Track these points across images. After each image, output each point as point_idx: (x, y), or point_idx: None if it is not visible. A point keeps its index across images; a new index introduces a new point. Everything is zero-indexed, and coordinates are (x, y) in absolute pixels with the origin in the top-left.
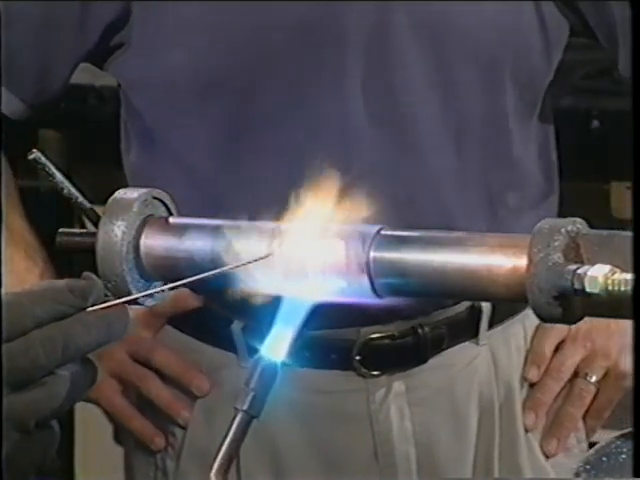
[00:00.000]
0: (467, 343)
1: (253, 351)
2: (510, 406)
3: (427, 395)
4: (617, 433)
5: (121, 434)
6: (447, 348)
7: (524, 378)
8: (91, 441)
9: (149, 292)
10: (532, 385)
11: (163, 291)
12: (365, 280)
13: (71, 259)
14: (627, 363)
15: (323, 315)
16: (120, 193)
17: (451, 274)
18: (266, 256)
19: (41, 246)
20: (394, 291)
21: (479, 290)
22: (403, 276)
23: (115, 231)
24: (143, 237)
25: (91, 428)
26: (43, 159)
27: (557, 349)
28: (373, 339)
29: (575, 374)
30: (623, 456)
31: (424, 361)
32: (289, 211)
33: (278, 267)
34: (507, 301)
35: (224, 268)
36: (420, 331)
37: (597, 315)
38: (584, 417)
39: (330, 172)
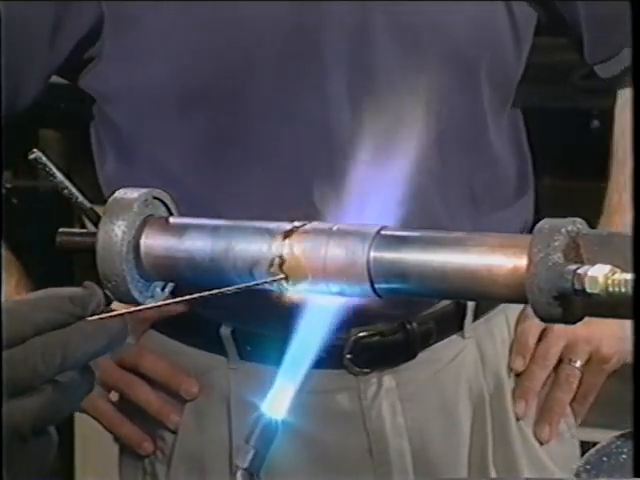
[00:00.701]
0: (453, 337)
1: (243, 353)
2: (500, 396)
3: (417, 390)
4: (617, 433)
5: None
6: (435, 343)
7: (510, 368)
8: (91, 441)
9: (176, 300)
10: (519, 374)
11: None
12: (365, 280)
13: (71, 259)
14: (609, 347)
15: None
16: (120, 193)
17: (451, 274)
18: (279, 278)
19: (16, 258)
20: (394, 291)
21: (479, 290)
22: (403, 276)
23: (115, 231)
24: (143, 237)
25: (91, 428)
26: (43, 159)
27: (540, 338)
28: (363, 337)
29: (560, 360)
30: (623, 456)
31: (413, 356)
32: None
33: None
34: (507, 301)
35: (239, 286)
36: (409, 327)
37: (597, 315)
38: (571, 403)
39: (316, 178)
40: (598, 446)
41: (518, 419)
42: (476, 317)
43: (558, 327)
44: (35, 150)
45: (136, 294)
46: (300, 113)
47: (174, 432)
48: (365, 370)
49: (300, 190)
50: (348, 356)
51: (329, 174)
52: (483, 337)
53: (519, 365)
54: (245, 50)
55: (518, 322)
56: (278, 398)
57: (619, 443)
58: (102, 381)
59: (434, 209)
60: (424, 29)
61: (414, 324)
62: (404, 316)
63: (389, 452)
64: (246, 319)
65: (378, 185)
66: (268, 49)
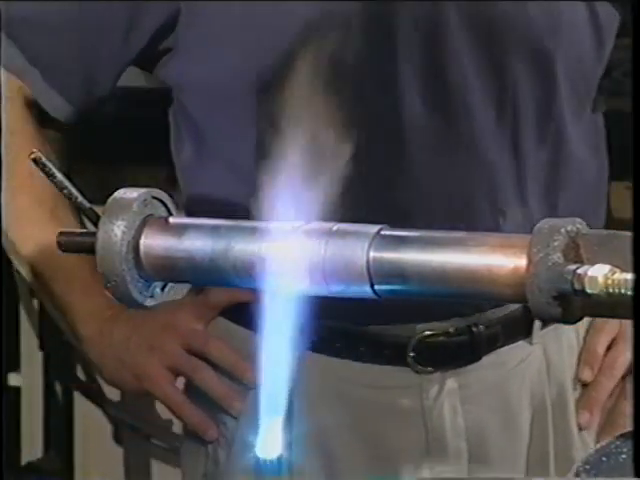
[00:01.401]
0: (520, 342)
1: (309, 343)
2: (562, 404)
3: (480, 392)
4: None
5: (121, 433)
6: (501, 347)
7: (577, 378)
8: (91, 441)
9: None
10: (585, 384)
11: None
12: (365, 280)
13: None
14: None
15: (380, 310)
16: (120, 193)
17: (451, 274)
18: (279, 279)
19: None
20: (394, 291)
21: (479, 290)
22: (403, 276)
23: (115, 231)
24: (143, 237)
25: (91, 428)
26: (43, 159)
27: (609, 347)
28: (428, 336)
29: (628, 371)
30: (623, 456)
31: (478, 359)
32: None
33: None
34: (507, 301)
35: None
36: (475, 329)
37: (597, 315)
38: None
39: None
40: (598, 446)
41: (581, 429)
42: (545, 324)
43: (628, 336)
44: (35, 150)
45: (136, 294)
46: (370, 106)
47: (236, 418)
48: (428, 369)
49: (365, 182)
50: (412, 354)
51: (399, 166)
52: (551, 344)
53: (587, 376)
54: (315, 41)
55: (587, 331)
56: (269, 436)
57: (618, 443)
58: (169, 366)
59: (507, 206)
60: (498, 19)
61: (481, 327)
62: (470, 315)
63: (447, 452)
64: (314, 309)
65: (446, 179)
66: (339, 41)
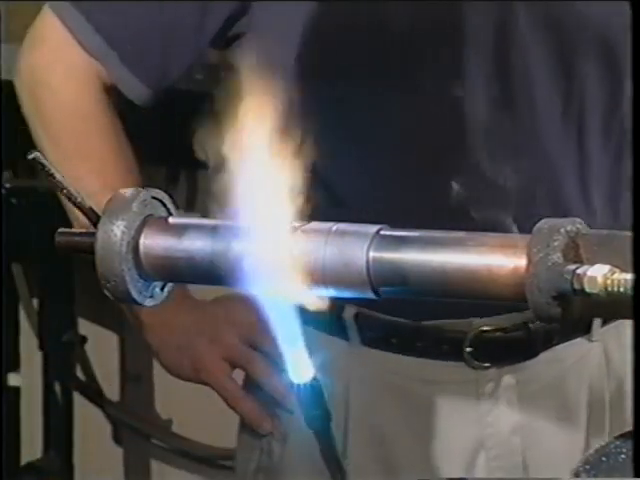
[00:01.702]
0: (579, 339)
1: (365, 339)
2: (621, 404)
3: (537, 389)
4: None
5: (120, 433)
6: (558, 343)
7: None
8: (90, 441)
9: None
10: None
11: None
12: (365, 280)
13: (71, 259)
14: None
15: (437, 306)
16: (119, 193)
17: (450, 274)
18: (278, 279)
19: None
20: (393, 291)
21: (478, 290)
22: (402, 276)
23: (114, 231)
24: (142, 237)
25: (90, 428)
26: (42, 159)
27: None
28: (485, 331)
29: None
30: (623, 456)
31: (534, 355)
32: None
33: (277, 266)
34: (507, 301)
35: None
36: (531, 325)
37: (597, 315)
38: None
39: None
40: (597, 446)
41: None
42: (605, 321)
43: None
44: (34, 150)
45: (135, 294)
46: (432, 105)
47: (292, 412)
48: (484, 365)
49: (435, 175)
50: (468, 349)
51: (464, 163)
52: (611, 342)
53: None
54: (384, 37)
55: None
56: (297, 364)
57: (618, 443)
58: (227, 358)
59: (570, 205)
60: (569, 18)
61: (537, 323)
62: (527, 310)
63: (501, 448)
64: (371, 304)
65: (511, 178)
66: (406, 40)
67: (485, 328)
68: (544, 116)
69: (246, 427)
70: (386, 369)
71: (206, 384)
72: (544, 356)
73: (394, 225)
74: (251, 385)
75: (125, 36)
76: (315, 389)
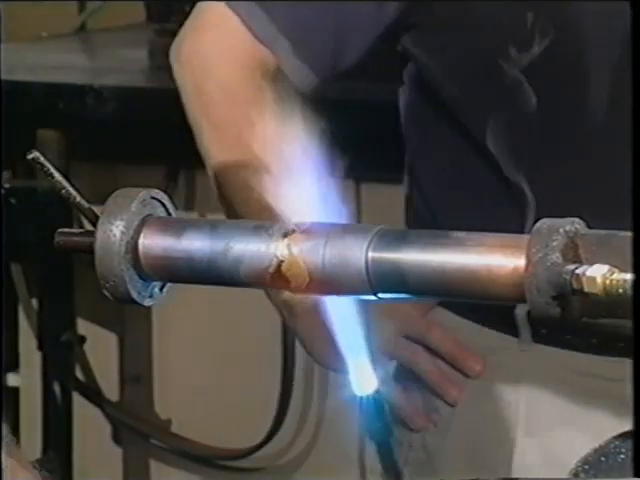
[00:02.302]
0: None
1: (536, 335)
2: None
3: None
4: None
5: (120, 433)
6: None
7: None
8: (90, 441)
9: None
10: None
11: None
12: (364, 280)
13: (71, 259)
14: None
15: None
16: (118, 193)
17: (450, 274)
18: (278, 279)
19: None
20: (393, 291)
21: (478, 290)
22: (402, 276)
23: (113, 231)
24: (141, 237)
25: (90, 428)
26: (42, 159)
27: None
28: None
29: None
30: (622, 456)
31: None
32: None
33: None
34: (506, 301)
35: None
36: None
37: (596, 315)
38: None
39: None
40: (597, 446)
41: None
42: None
43: None
44: (33, 150)
45: (135, 294)
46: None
47: (452, 406)
48: None
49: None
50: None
51: (585, 166)
52: None
53: None
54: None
55: None
56: (360, 374)
57: (617, 443)
58: (385, 350)
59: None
60: None
61: None
62: None
63: None
64: None
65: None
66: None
67: None
68: None
69: (400, 421)
70: (559, 366)
71: None
72: None
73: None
74: (405, 378)
75: (298, 25)
76: (377, 402)
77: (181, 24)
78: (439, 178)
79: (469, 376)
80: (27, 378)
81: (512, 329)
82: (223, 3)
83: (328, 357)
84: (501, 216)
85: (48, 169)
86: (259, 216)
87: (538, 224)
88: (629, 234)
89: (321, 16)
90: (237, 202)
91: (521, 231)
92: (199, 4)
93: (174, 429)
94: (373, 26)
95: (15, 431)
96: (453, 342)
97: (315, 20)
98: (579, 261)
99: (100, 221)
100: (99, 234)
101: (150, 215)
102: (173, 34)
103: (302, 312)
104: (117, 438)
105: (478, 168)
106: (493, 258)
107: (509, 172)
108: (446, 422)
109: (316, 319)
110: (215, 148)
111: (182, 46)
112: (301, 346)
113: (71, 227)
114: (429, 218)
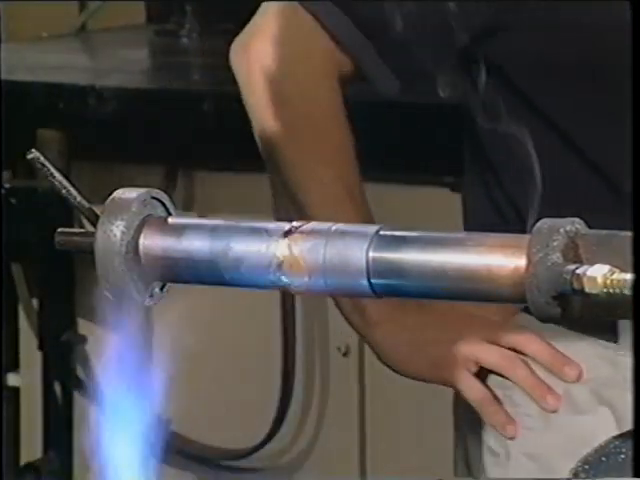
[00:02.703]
0: None
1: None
2: None
3: None
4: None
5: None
6: None
7: None
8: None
9: None
10: None
11: None
12: (364, 280)
13: (71, 259)
14: None
15: None
16: (119, 193)
17: (450, 274)
18: (278, 279)
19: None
20: (393, 291)
21: (478, 290)
22: (402, 276)
23: (114, 231)
24: (142, 237)
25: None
26: (42, 159)
27: None
28: None
29: None
30: (622, 456)
31: None
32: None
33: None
34: (506, 301)
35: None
36: None
37: (597, 315)
38: None
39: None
40: (597, 446)
41: None
42: None
43: None
44: (33, 150)
45: (135, 294)
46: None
47: (552, 412)
48: None
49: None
50: None
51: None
52: None
53: None
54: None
55: None
56: None
57: (618, 443)
58: (473, 358)
59: None
60: None
61: None
62: None
63: None
64: None
65: None
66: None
67: None
68: None
69: (465, 422)
70: None
71: (445, 383)
72: None
73: None
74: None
75: (383, 28)
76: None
77: (181, 24)
78: (526, 178)
79: (566, 381)
80: (27, 378)
81: (612, 336)
82: (295, 3)
83: (409, 363)
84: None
85: (48, 169)
86: (336, 217)
87: (538, 224)
88: (629, 234)
89: (407, 19)
90: (312, 203)
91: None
92: (264, 4)
93: (174, 429)
94: (459, 34)
95: (15, 431)
96: (548, 348)
97: (400, 24)
98: (580, 261)
99: (100, 221)
100: (99, 234)
101: (150, 215)
102: (173, 34)
103: (379, 320)
104: None
105: (575, 169)
106: (493, 258)
107: (605, 169)
108: (540, 428)
109: (395, 325)
110: (291, 147)
111: (250, 46)
112: (376, 356)
113: (71, 227)
114: (508, 217)
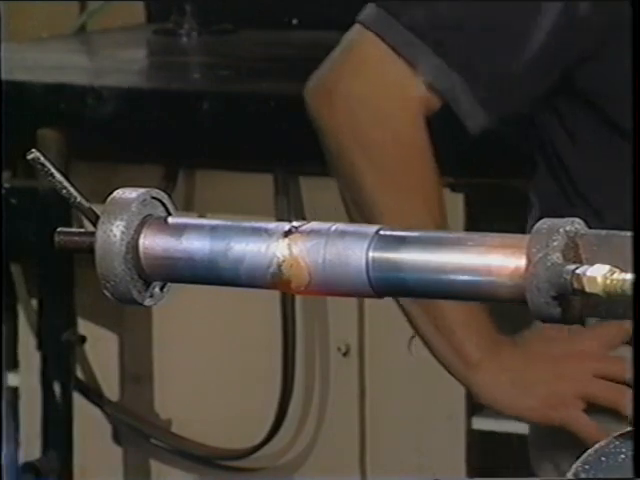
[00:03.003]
0: None
1: None
2: None
3: None
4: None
5: (120, 433)
6: None
7: None
8: (90, 441)
9: None
10: None
11: None
12: (364, 280)
13: (71, 259)
14: None
15: None
16: (119, 193)
17: (450, 274)
18: (278, 279)
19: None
20: (393, 291)
21: (478, 290)
22: (402, 276)
23: (114, 231)
24: (142, 237)
25: (90, 428)
26: (42, 159)
27: None
28: None
29: None
30: (622, 456)
31: None
32: None
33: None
34: (506, 301)
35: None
36: None
37: (596, 315)
38: None
39: None
40: (597, 446)
41: None
42: None
43: None
44: (33, 150)
45: (135, 294)
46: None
47: None
48: None
49: None
50: None
51: None
52: None
53: None
54: None
55: None
56: None
57: (618, 443)
58: (582, 394)
59: None
60: None
61: None
62: None
63: None
64: None
65: None
66: None
67: None
68: None
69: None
70: None
71: (559, 423)
72: None
73: None
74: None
75: (470, 60)
76: None
77: (180, 24)
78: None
79: None
80: (27, 378)
81: None
82: (378, 39)
83: (517, 405)
84: None
85: (48, 169)
86: None
87: (538, 224)
88: (629, 234)
89: (493, 53)
90: None
91: None
92: (348, 37)
93: (174, 429)
94: (550, 70)
95: (15, 431)
96: None
97: (487, 57)
98: (579, 261)
99: (100, 221)
100: (99, 234)
101: (150, 215)
102: (173, 34)
103: (479, 361)
104: (117, 438)
105: None
106: (493, 258)
107: None
108: None
109: (495, 365)
110: (381, 192)
111: (335, 85)
112: (476, 398)
113: (71, 227)
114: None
